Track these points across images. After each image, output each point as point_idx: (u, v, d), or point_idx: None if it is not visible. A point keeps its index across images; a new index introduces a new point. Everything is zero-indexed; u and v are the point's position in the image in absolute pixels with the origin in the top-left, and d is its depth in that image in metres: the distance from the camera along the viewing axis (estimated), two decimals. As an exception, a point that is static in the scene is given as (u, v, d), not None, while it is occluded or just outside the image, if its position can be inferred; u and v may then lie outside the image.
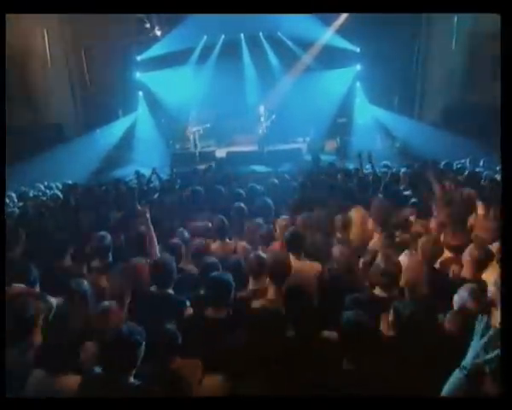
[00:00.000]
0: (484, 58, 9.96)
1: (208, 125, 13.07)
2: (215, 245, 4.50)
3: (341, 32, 13.04)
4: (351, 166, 10.71)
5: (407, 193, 5.67)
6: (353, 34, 12.65)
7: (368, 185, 6.01)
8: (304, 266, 3.75)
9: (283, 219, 4.52)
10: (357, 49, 13.19)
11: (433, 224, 4.55)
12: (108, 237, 4.15)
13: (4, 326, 2.52)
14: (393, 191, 5.46)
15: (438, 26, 10.40)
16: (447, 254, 4.03)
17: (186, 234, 4.36)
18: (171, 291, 3.17)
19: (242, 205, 5.10)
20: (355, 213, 4.77)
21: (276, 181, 6.09)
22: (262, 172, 10.39)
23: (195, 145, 12.96)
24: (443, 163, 7.83)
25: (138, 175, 7.80)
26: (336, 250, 3.73)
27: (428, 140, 10.79)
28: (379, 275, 3.14)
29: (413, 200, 5.55)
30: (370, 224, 4.68)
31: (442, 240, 4.14)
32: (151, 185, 6.93)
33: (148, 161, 11.96)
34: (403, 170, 7.05)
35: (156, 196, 6.28)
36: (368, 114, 13.19)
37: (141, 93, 13.65)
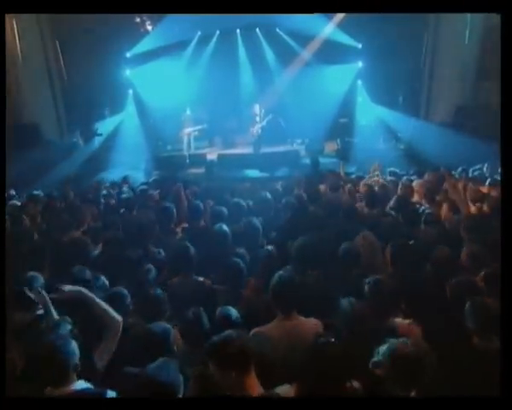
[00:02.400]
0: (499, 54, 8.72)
1: (205, 126, 11.91)
2: (177, 279, 3.40)
3: (342, 26, 11.92)
4: (352, 168, 9.66)
5: (425, 209, 4.51)
6: (355, 29, 11.52)
7: (376, 200, 4.85)
8: (296, 331, 2.60)
9: (268, 252, 3.38)
10: (359, 45, 12.06)
11: (463, 257, 3.41)
12: (39, 280, 3.00)
13: (4, 326, 2.38)
14: (410, 211, 4.28)
15: (449, 19, 9.18)
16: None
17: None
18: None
19: (225, 227, 3.95)
20: (363, 242, 3.63)
21: (267, 195, 4.93)
22: (256, 178, 9.24)
23: (189, 147, 11.81)
24: (459, 170, 6.67)
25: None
26: (347, 304, 2.56)
27: (437, 142, 9.62)
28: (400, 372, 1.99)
29: (428, 211, 4.41)
30: (384, 256, 3.53)
31: (479, 282, 3.00)
32: (123, 196, 5.77)
33: (136, 163, 10.89)
34: (415, 180, 5.86)
35: (122, 211, 5.11)
36: (370, 114, 12.01)
37: (131, 91, 12.54)
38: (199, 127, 11.82)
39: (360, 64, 12.17)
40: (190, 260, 3.37)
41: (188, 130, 11.68)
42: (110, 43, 11.40)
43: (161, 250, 3.80)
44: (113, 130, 11.33)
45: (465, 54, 9.02)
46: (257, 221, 4.20)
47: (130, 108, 12.31)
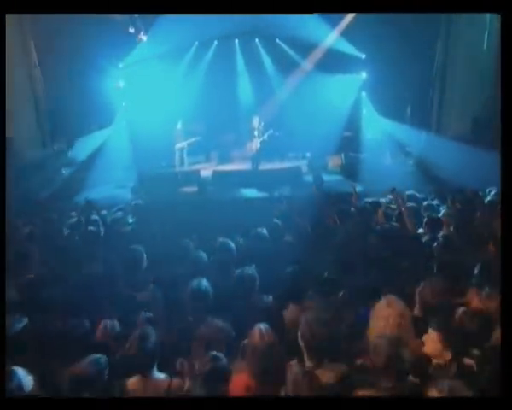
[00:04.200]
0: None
1: (197, 139, 10.83)
2: (133, 382, 2.23)
3: (345, 35, 10.91)
4: (358, 187, 8.49)
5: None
6: (358, 37, 10.49)
7: (400, 238, 3.66)
8: None
9: (259, 332, 2.22)
10: (363, 56, 11.03)
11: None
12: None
13: (4, 326, 2.32)
14: (453, 261, 3.06)
15: (465, 21, 8.02)
16: None
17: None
18: None
19: (204, 284, 2.80)
20: (386, 312, 2.41)
21: (264, 232, 3.76)
22: (253, 198, 8.06)
23: (182, 162, 10.66)
24: (492, 192, 5.47)
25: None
26: None
27: (451, 157, 8.43)
28: None
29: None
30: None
31: None
32: (90, 230, 4.59)
33: (124, 181, 9.73)
34: (439, 206, 4.64)
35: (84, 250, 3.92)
36: (376, 127, 10.88)
37: (124, 104, 11.46)
38: (191, 141, 10.74)
39: (364, 75, 11.15)
40: (150, 356, 2.20)
41: (179, 144, 10.59)
42: (101, 52, 10.33)
43: (116, 323, 2.62)
44: (100, 144, 10.15)
45: (483, 59, 7.85)
46: (252, 271, 3.05)
47: (121, 122, 11.18)
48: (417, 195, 5.58)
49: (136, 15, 10.68)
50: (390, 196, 5.59)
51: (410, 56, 9.86)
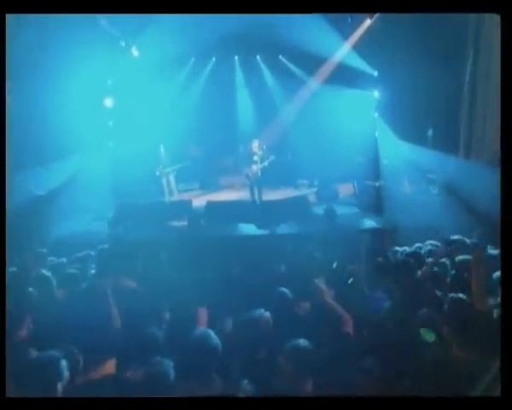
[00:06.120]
0: None
1: (186, 164, 9.76)
2: None
3: (357, 49, 9.94)
4: (369, 222, 7.34)
5: None
6: (371, 50, 9.50)
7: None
8: None
9: None
10: (375, 73, 10.03)
11: None
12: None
13: (4, 326, 2.23)
14: None
15: (497, 25, 6.88)
16: None
17: None
18: None
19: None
20: None
21: (266, 315, 2.40)
22: (253, 235, 6.78)
23: (171, 191, 9.48)
24: None
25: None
26: None
27: (488, 186, 7.18)
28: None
29: None
30: None
31: None
32: (28, 292, 3.25)
33: (103, 211, 8.50)
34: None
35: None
36: (393, 151, 9.70)
37: (110, 123, 10.39)
38: (176, 166, 9.66)
39: (378, 93, 10.08)
40: None
41: (159, 171, 9.50)
42: (89, 67, 9.31)
43: None
44: (77, 169, 8.92)
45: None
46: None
47: (107, 143, 10.06)
48: (467, 240, 4.23)
49: (129, 28, 9.80)
50: (433, 242, 4.29)
51: (431, 70, 8.74)
